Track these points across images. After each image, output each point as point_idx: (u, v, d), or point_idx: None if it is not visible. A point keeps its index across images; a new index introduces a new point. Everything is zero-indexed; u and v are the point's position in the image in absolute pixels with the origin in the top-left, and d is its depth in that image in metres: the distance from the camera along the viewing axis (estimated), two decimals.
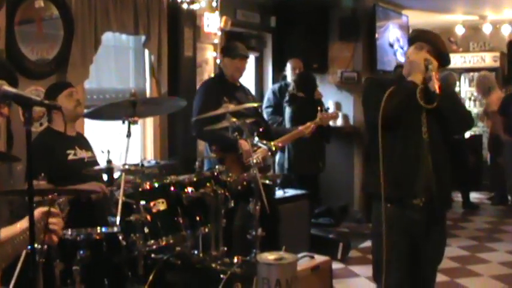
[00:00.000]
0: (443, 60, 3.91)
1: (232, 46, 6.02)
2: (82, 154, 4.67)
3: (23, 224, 2.84)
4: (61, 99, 4.56)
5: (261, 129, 5.60)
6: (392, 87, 3.70)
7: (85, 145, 4.79)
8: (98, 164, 4.70)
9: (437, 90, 3.60)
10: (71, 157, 4.59)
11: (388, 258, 3.75)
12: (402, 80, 3.85)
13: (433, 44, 3.87)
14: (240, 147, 5.37)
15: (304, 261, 4.78)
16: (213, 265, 4.31)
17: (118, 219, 3.90)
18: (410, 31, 4.40)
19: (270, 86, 8.71)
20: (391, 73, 8.45)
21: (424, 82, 3.68)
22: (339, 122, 9.02)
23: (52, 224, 2.66)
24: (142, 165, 4.26)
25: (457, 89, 11.67)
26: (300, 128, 6.04)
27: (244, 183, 4.66)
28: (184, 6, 6.77)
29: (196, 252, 4.52)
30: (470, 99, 12.63)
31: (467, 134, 11.06)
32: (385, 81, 3.99)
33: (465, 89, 12.91)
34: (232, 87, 5.77)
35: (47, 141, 4.52)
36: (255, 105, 5.63)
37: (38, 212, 2.83)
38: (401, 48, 9.56)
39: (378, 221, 3.91)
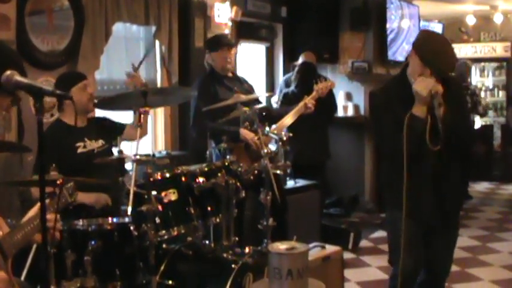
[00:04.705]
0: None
1: (214, 39, 6.07)
2: (92, 145, 4.64)
3: (30, 213, 2.87)
4: (75, 91, 4.47)
5: (263, 114, 5.59)
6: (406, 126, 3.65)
7: (95, 134, 4.70)
8: (108, 152, 4.71)
9: (442, 114, 3.60)
10: (80, 150, 4.56)
11: (401, 244, 3.78)
12: (405, 81, 3.83)
13: (436, 69, 3.72)
14: (243, 137, 5.40)
15: (316, 251, 4.78)
16: (225, 255, 4.33)
17: (129, 209, 3.90)
18: (419, 32, 4.25)
19: (280, 76, 8.68)
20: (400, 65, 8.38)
21: (429, 112, 3.64)
22: (350, 112, 9.02)
23: (47, 221, 2.65)
24: (154, 155, 4.26)
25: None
26: (301, 103, 5.94)
27: (255, 172, 4.65)
28: None
29: (207, 242, 4.53)
30: (481, 89, 12.54)
31: (477, 124, 11.03)
32: (388, 91, 3.98)
33: (476, 80, 12.86)
34: (226, 79, 5.78)
35: (56, 134, 4.48)
36: (257, 96, 5.67)
37: (36, 209, 2.86)
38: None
39: (391, 208, 3.97)
